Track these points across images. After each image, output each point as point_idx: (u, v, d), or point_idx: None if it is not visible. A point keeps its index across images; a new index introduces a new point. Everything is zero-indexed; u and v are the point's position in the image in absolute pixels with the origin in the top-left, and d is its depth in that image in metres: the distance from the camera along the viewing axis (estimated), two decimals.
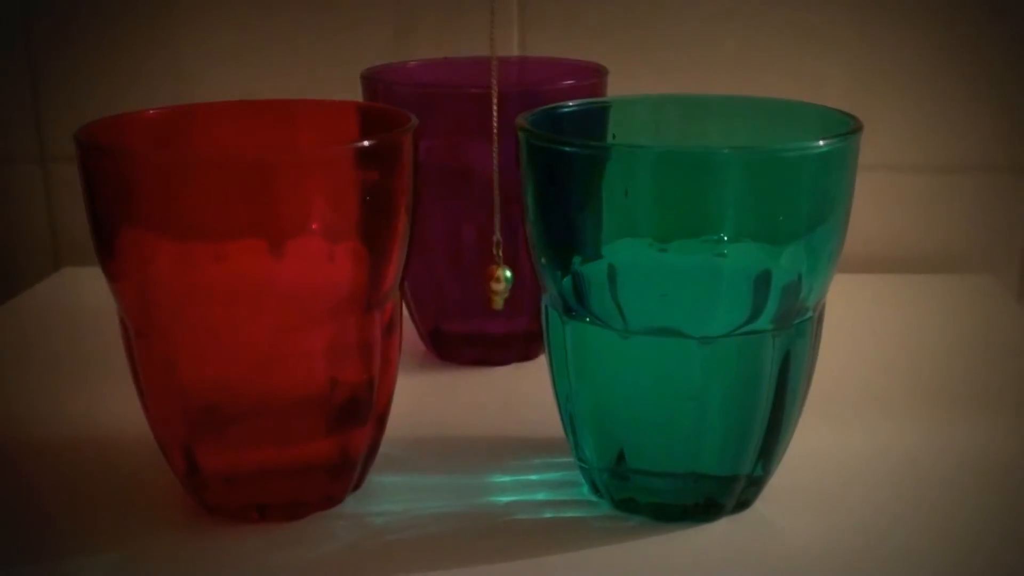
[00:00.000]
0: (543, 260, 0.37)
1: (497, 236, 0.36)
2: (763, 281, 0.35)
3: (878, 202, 0.63)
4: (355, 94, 0.49)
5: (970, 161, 0.63)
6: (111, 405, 0.45)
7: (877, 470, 0.41)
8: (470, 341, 0.51)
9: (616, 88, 0.50)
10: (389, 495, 0.39)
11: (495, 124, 0.37)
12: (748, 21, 0.61)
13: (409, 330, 0.51)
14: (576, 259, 0.36)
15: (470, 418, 0.45)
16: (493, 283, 0.35)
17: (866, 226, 0.63)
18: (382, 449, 0.40)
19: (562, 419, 0.39)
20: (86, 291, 0.56)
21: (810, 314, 0.36)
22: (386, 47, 0.58)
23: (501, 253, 0.36)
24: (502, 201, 0.44)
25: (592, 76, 0.50)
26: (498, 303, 0.36)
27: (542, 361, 0.39)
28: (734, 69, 0.62)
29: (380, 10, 0.62)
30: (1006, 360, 0.51)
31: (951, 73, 0.62)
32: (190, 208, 0.34)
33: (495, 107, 0.37)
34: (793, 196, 0.34)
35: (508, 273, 0.36)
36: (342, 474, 0.38)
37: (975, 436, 0.43)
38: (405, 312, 0.49)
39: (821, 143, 0.34)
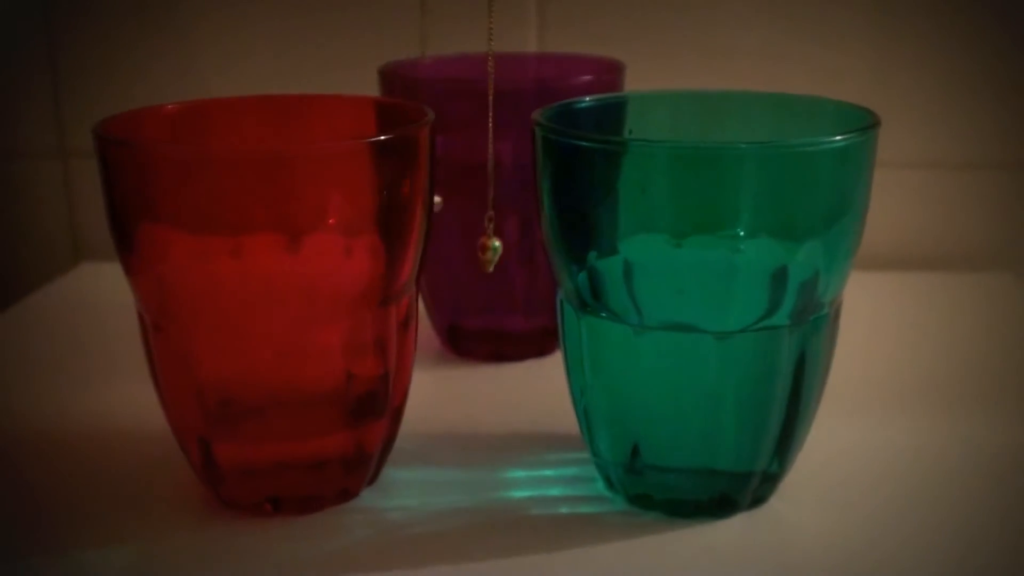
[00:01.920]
0: (558, 256, 0.37)
1: (490, 212, 0.39)
2: (780, 277, 0.34)
3: (895, 199, 0.63)
4: (373, 90, 0.49)
5: (989, 158, 0.63)
6: (129, 400, 0.45)
7: (894, 468, 0.40)
8: (486, 337, 0.51)
9: (634, 85, 0.50)
10: (404, 489, 0.39)
11: (491, 99, 0.39)
12: (766, 18, 0.61)
13: (426, 326, 0.51)
14: (592, 254, 0.36)
15: (486, 413, 0.45)
16: (482, 253, 0.39)
17: (883, 223, 0.63)
18: (398, 443, 0.40)
19: (577, 414, 0.39)
20: (105, 287, 0.56)
21: (827, 310, 0.36)
22: (404, 42, 0.58)
23: (492, 227, 0.39)
24: (519, 197, 0.44)
25: (610, 72, 0.50)
26: (488, 268, 0.39)
27: (558, 357, 0.39)
28: (752, 65, 0.61)
29: (398, 5, 0.62)
30: None
31: (969, 69, 0.61)
32: (207, 202, 0.34)
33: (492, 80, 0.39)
34: (810, 192, 0.34)
35: (497, 243, 0.39)
36: (358, 468, 0.38)
37: (993, 434, 0.43)
38: (421, 308, 0.49)
39: (839, 138, 0.34)
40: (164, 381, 0.37)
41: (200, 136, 0.41)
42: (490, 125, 0.40)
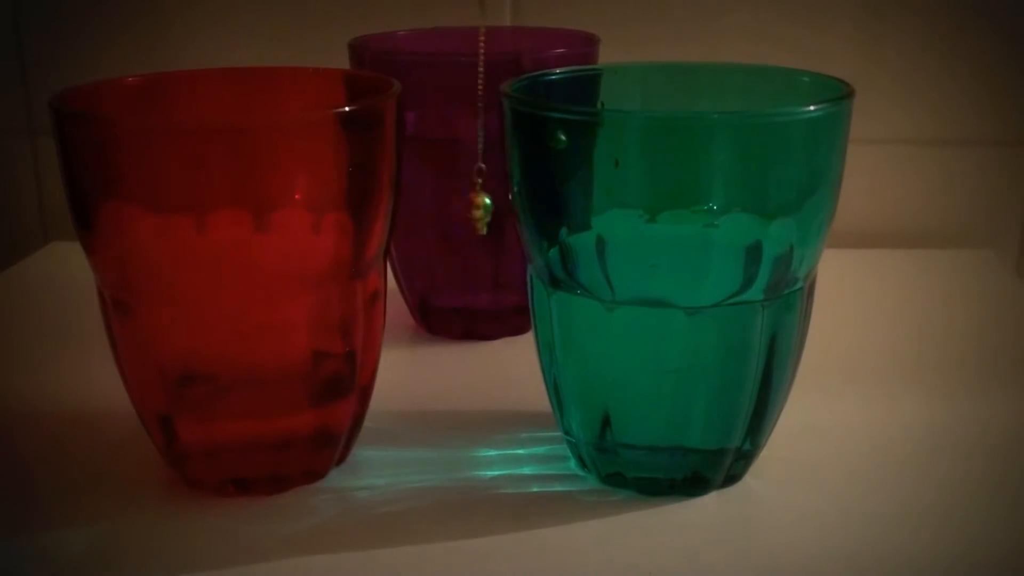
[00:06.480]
0: (529, 231, 0.36)
1: (480, 165, 0.37)
2: (754, 252, 0.34)
3: (878, 176, 0.62)
4: (343, 63, 0.48)
5: (971, 135, 0.62)
6: (98, 379, 0.44)
7: (869, 445, 0.40)
8: (459, 315, 0.50)
9: (609, 59, 0.49)
10: (373, 469, 0.39)
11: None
12: None
13: (399, 304, 0.51)
14: (563, 230, 0.35)
15: (457, 392, 0.45)
16: (473, 210, 0.37)
17: (866, 201, 0.62)
18: (367, 423, 0.40)
19: (548, 392, 0.38)
20: (75, 265, 0.55)
21: (800, 284, 0.35)
22: (374, 15, 0.57)
23: (482, 181, 0.37)
24: (490, 171, 0.43)
25: (584, 45, 0.49)
26: (481, 228, 0.37)
27: (532, 336, 0.39)
28: (731, 42, 0.61)
29: None
30: (1005, 335, 0.50)
31: (951, 46, 0.61)
32: (169, 177, 0.33)
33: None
34: (784, 163, 0.33)
35: (488, 200, 0.37)
36: (325, 448, 0.38)
37: (970, 410, 0.43)
38: (394, 285, 0.49)
39: (812, 108, 0.33)
40: (125, 359, 0.36)
41: (163, 109, 0.40)
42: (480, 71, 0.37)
